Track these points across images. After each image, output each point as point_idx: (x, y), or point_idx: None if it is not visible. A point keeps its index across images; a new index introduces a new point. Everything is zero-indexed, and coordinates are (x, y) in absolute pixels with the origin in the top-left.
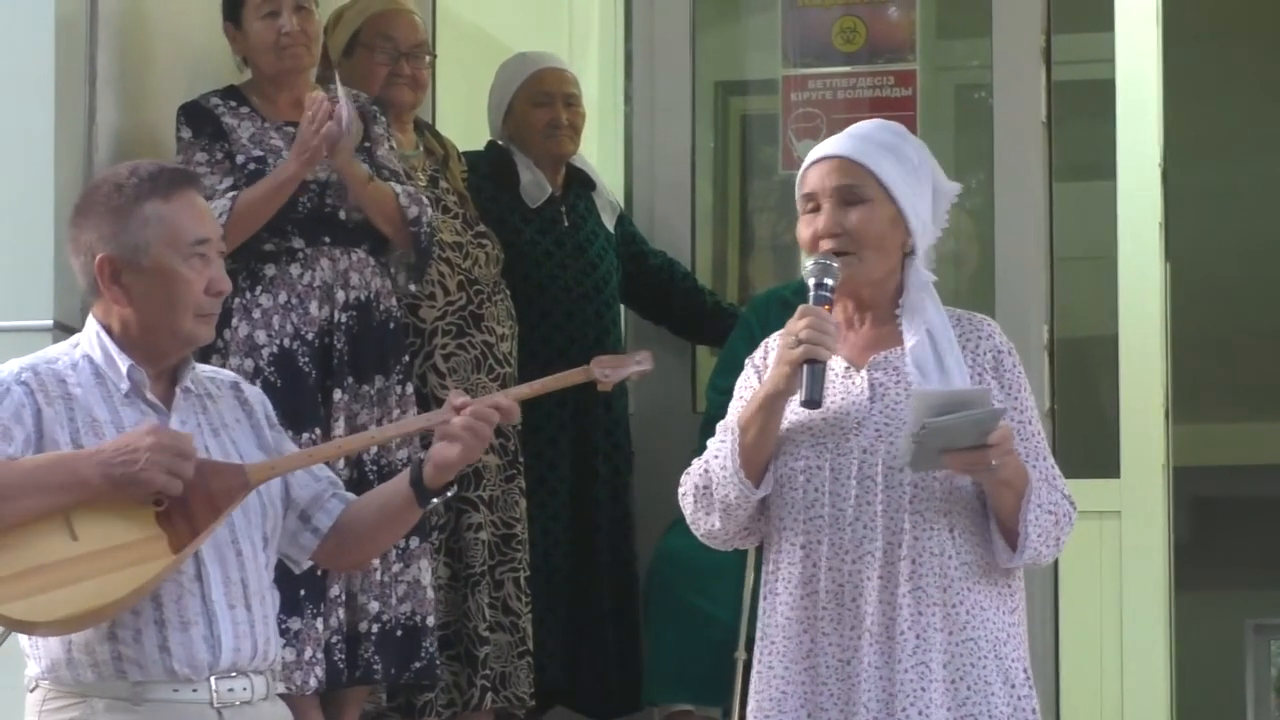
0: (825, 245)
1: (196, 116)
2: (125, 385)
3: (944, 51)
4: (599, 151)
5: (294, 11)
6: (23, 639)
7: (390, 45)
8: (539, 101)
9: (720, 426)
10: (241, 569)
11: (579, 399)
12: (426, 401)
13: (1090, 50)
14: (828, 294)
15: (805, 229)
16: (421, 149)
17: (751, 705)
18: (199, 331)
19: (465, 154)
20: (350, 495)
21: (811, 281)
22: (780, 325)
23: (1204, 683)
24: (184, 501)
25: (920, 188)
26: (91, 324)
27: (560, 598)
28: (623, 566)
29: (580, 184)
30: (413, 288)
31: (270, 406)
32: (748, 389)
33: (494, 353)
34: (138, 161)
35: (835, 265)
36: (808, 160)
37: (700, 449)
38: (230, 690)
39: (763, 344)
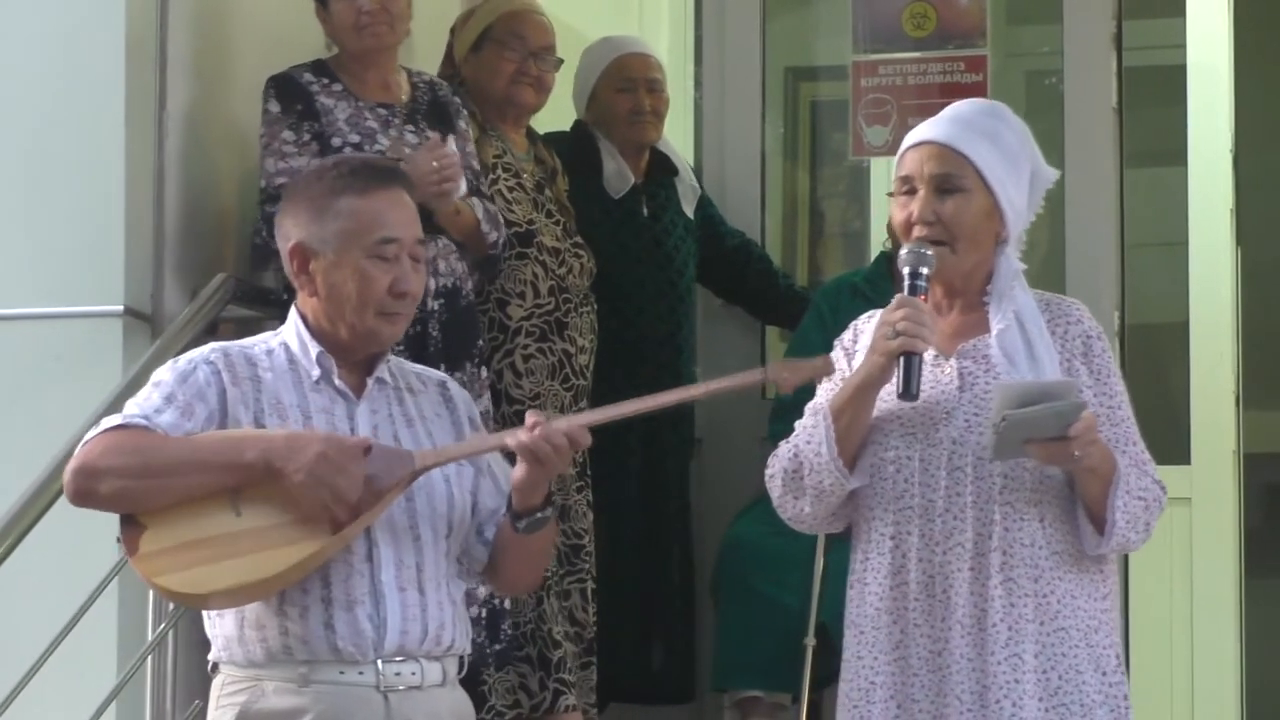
0: (918, 233)
1: (288, 91)
2: (316, 372)
3: (1014, 37)
4: (669, 137)
5: None
6: (205, 622)
7: (520, 44)
8: (622, 87)
9: (809, 409)
10: (418, 554)
11: (645, 393)
12: (498, 397)
13: (1161, 36)
14: (923, 284)
15: (899, 212)
16: (532, 156)
17: (840, 695)
18: (381, 329)
19: (550, 135)
20: None
21: (906, 270)
22: (850, 311)
23: (1275, 669)
24: None
25: (1018, 175)
26: (292, 313)
27: (630, 595)
28: (690, 557)
29: (662, 170)
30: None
31: (474, 408)
32: (837, 371)
33: (572, 363)
34: (348, 155)
35: (930, 254)
36: (906, 142)
37: (769, 435)
38: (397, 674)
39: (851, 325)
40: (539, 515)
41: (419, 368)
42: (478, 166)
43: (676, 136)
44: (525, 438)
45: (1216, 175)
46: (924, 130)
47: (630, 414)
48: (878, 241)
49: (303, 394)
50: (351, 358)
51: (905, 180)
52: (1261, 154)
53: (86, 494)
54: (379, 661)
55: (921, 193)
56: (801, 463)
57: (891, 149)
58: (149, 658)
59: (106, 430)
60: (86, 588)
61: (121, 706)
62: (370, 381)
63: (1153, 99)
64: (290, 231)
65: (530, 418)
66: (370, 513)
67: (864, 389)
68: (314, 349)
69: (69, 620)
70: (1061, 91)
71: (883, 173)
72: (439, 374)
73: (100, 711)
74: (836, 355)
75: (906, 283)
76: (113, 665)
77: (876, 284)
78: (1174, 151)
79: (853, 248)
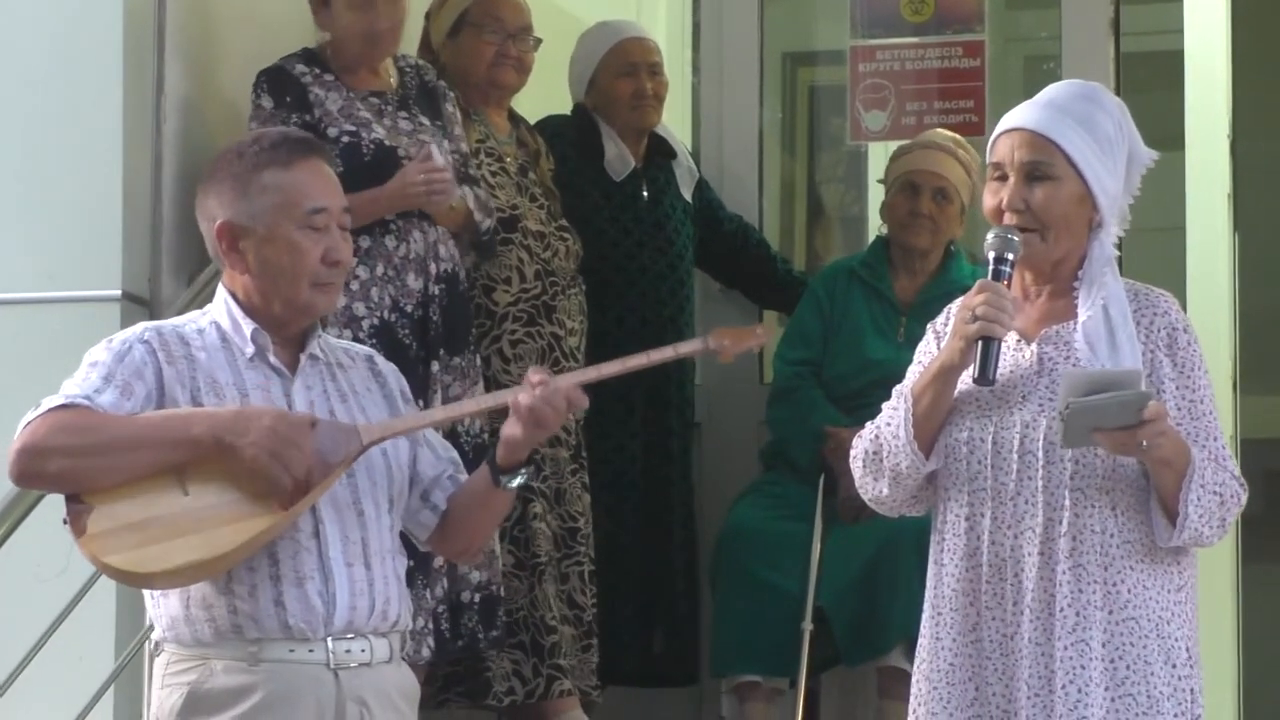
0: (1008, 220)
1: (279, 83)
2: (250, 349)
3: (1012, 22)
4: (666, 122)
5: (388, 2)
6: (147, 601)
7: (499, 26)
8: (624, 72)
9: (895, 391)
10: (362, 529)
11: (653, 381)
12: (487, 383)
13: (1159, 21)
14: (1007, 269)
15: (990, 199)
16: (514, 139)
17: (918, 675)
18: (317, 300)
19: (551, 118)
20: (465, 477)
21: (991, 255)
22: (847, 296)
23: (1272, 654)
24: None
25: (1112, 160)
26: (221, 291)
27: (631, 578)
28: (690, 541)
29: (661, 153)
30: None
31: (405, 382)
32: (926, 354)
33: (561, 346)
34: (266, 129)
35: (1016, 239)
36: (1000, 127)
37: (768, 420)
38: (347, 651)
39: (945, 309)
40: (524, 471)
41: (345, 343)
42: (466, 150)
43: (674, 122)
44: (528, 400)
45: (1214, 161)
46: (1016, 116)
47: (609, 375)
48: (876, 226)
49: (237, 371)
50: (285, 333)
51: (996, 166)
52: (1259, 139)
53: (32, 475)
54: (329, 639)
55: (1011, 180)
56: (882, 444)
57: (889, 134)
58: (146, 643)
59: (49, 411)
60: (84, 575)
61: (119, 692)
62: (303, 358)
63: (1151, 84)
64: (215, 211)
65: (534, 375)
66: (317, 489)
67: (943, 373)
68: (248, 326)
69: (66, 605)
70: (1059, 76)
71: (880, 158)
72: (365, 349)
73: (98, 697)
74: (928, 338)
75: (991, 267)
76: (110, 651)
77: (873, 268)
78: (1172, 137)
79: (851, 232)
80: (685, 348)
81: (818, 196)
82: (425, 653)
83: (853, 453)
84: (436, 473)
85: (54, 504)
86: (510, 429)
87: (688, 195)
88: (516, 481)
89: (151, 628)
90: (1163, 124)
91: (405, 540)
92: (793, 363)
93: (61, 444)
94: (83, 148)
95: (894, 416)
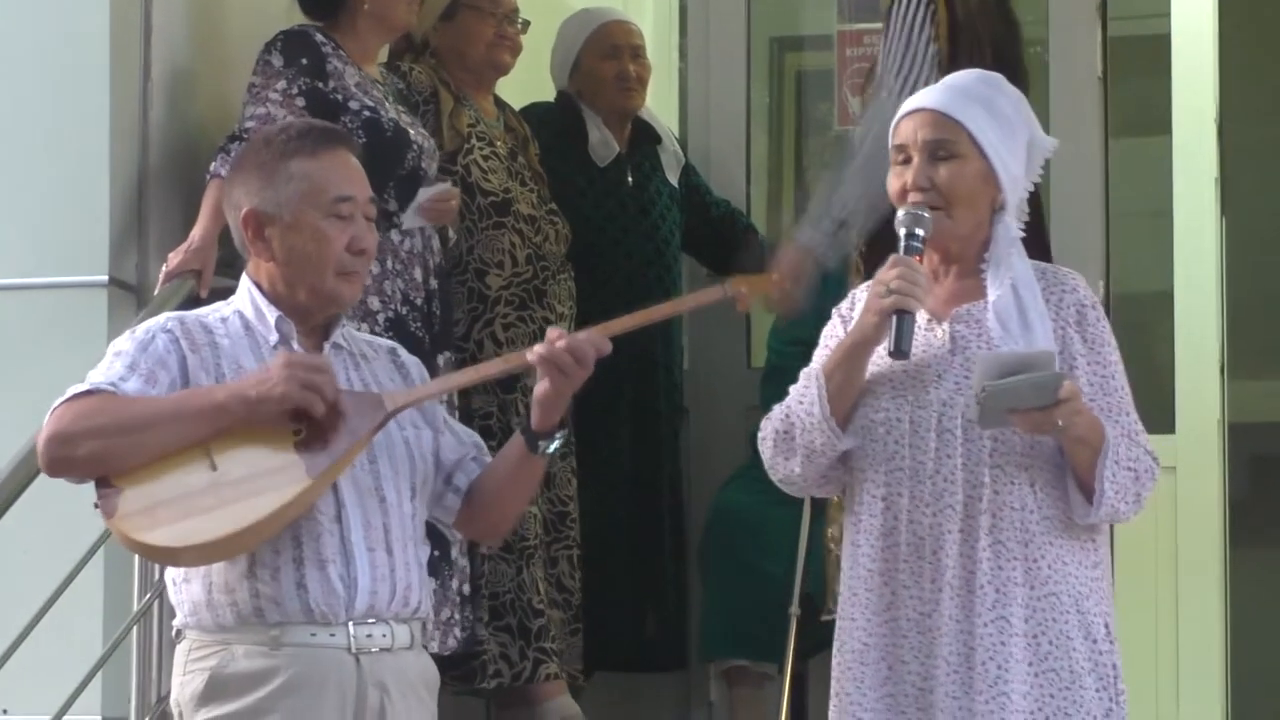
0: (913, 199)
1: (298, 45)
2: (274, 337)
3: None
4: (653, 107)
5: None
6: (169, 588)
7: (496, 6)
8: (607, 54)
9: (804, 374)
10: (384, 515)
11: (640, 366)
12: None
13: (1146, 5)
14: (919, 244)
15: (895, 181)
16: (502, 123)
17: (834, 657)
18: (341, 289)
19: (534, 105)
20: (489, 459)
21: (903, 231)
22: (839, 275)
23: (1259, 638)
24: (322, 430)
25: (1013, 142)
26: (244, 281)
27: (620, 563)
28: (680, 526)
29: (645, 139)
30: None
31: (427, 373)
32: (833, 338)
33: None
34: (292, 119)
35: (927, 215)
36: (901, 111)
37: (760, 400)
38: (369, 636)
39: (850, 294)
40: (558, 435)
41: (368, 336)
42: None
43: (661, 107)
44: (546, 350)
45: (1201, 144)
46: (918, 99)
47: (626, 329)
48: None
49: (261, 359)
50: (309, 322)
51: (900, 149)
52: (1246, 123)
53: (62, 461)
54: (350, 624)
55: (916, 160)
56: (793, 423)
57: None
58: (135, 628)
59: (73, 397)
60: (72, 558)
61: (107, 676)
62: (327, 346)
63: (1138, 68)
64: (241, 200)
65: (552, 332)
66: (346, 457)
67: (857, 348)
68: (272, 314)
69: (55, 590)
70: (1047, 61)
71: None
72: (388, 342)
73: (86, 681)
74: (834, 323)
75: (902, 243)
76: (99, 635)
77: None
78: (1159, 121)
79: None
80: (704, 296)
81: (805, 181)
82: (451, 643)
83: (761, 434)
84: (459, 456)
85: (46, 488)
86: (540, 387)
87: (674, 180)
88: (553, 446)
89: (141, 611)
90: (1150, 108)
91: (432, 531)
92: (786, 342)
93: (89, 427)
94: (69, 133)
95: (805, 395)
